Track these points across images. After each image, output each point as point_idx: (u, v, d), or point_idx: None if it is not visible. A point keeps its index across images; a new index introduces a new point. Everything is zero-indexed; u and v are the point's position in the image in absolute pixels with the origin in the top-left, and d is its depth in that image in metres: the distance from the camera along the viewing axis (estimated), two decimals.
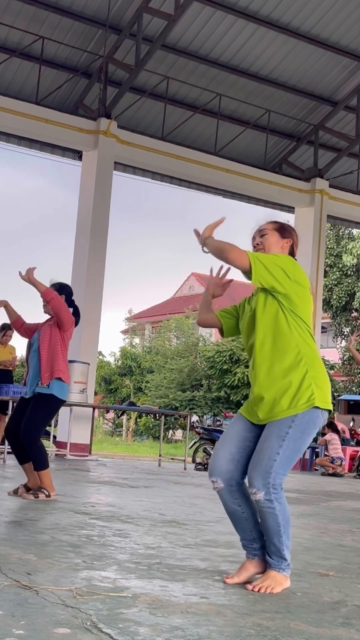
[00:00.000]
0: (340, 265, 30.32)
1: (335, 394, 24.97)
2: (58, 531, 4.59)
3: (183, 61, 15.06)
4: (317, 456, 16.49)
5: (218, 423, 17.59)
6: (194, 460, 14.88)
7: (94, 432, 15.49)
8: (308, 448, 13.11)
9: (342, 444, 15.92)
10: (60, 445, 13.05)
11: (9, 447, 7.92)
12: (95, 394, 22.08)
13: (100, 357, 34.41)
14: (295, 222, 16.69)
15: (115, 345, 50.24)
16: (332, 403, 3.61)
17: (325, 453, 15.73)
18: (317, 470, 16.05)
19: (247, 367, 26.47)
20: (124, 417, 33.58)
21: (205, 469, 12.09)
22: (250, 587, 3.40)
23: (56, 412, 6.75)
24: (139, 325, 44.15)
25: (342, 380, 31.60)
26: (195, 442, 15.98)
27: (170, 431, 31.85)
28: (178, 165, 15.30)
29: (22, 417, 6.38)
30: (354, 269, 30.38)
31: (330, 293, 30.35)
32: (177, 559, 4.01)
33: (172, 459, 16.84)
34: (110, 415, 35.65)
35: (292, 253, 3.70)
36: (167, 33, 13.48)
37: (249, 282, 3.51)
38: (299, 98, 16.49)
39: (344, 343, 32.23)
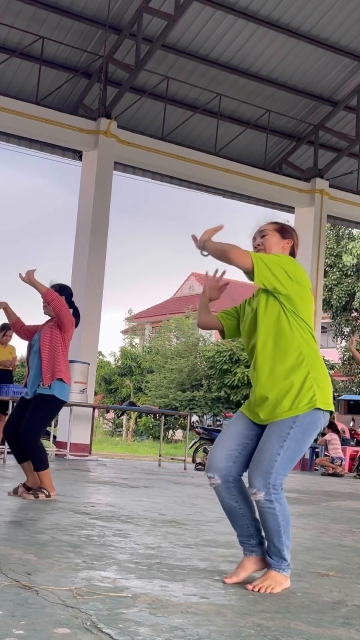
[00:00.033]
0: (340, 265, 30.32)
1: (335, 394, 24.97)
2: (58, 531, 4.59)
3: (183, 61, 15.06)
4: (317, 456, 16.49)
5: (218, 423, 17.60)
6: (194, 460, 14.88)
7: (94, 432, 15.49)
8: (308, 448, 13.13)
9: (342, 444, 15.92)
10: (60, 445, 13.05)
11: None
12: (95, 394, 22.08)
13: (100, 357, 34.42)
14: (295, 222, 16.69)
15: (115, 345, 50.33)
16: (333, 403, 3.62)
17: (325, 453, 15.74)
18: (317, 470, 16.05)
19: (247, 367, 26.49)
20: (124, 417, 33.59)
21: None
22: (250, 587, 3.40)
23: (57, 412, 6.76)
24: (139, 325, 44.16)
25: (342, 380, 31.61)
26: (195, 442, 15.98)
27: (170, 431, 31.86)
28: (178, 165, 15.30)
29: (22, 416, 6.38)
30: (354, 269, 30.38)
31: (330, 293, 30.35)
32: (177, 559, 4.01)
33: (172, 459, 16.84)
34: (110, 415, 35.66)
35: (292, 254, 3.70)
36: (167, 33, 13.48)
37: (249, 282, 3.51)
38: (299, 98, 16.49)
39: (344, 343, 32.24)
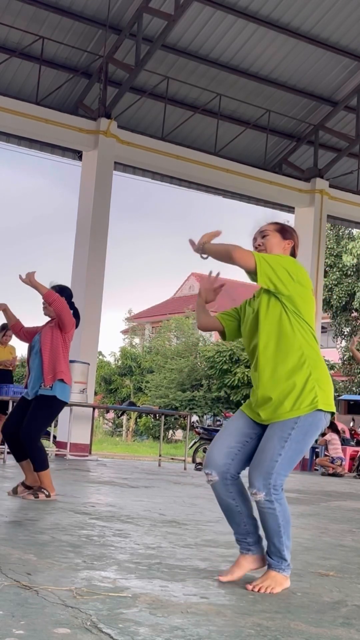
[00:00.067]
0: (340, 265, 30.33)
1: (335, 394, 24.94)
2: (58, 531, 4.59)
3: (183, 61, 15.06)
4: (317, 456, 16.49)
5: (218, 423, 17.60)
6: (194, 460, 14.89)
7: (94, 432, 15.49)
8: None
9: (342, 444, 15.92)
10: (60, 445, 13.05)
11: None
12: (95, 394, 22.08)
13: (100, 357, 34.43)
14: (295, 222, 16.69)
15: (115, 345, 50.33)
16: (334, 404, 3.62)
17: (326, 453, 15.73)
18: (317, 470, 16.05)
19: (247, 367, 26.50)
20: (124, 417, 33.59)
21: None
22: (250, 587, 3.40)
23: (58, 413, 6.76)
24: (139, 325, 44.18)
25: (342, 380, 31.61)
26: (195, 442, 15.99)
27: (170, 431, 31.86)
28: (178, 165, 15.30)
29: (22, 416, 6.38)
30: (354, 269, 30.39)
31: (330, 293, 30.36)
32: (177, 559, 4.01)
33: (172, 459, 16.84)
34: (110, 415, 35.66)
35: (293, 254, 3.70)
36: (167, 33, 13.48)
37: (249, 282, 3.52)
38: (299, 98, 16.49)
39: (344, 343, 32.24)
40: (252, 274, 3.46)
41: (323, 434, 15.70)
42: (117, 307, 67.36)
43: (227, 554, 4.29)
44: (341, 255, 30.16)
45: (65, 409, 12.24)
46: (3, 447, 10.33)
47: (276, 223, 3.74)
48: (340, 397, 23.55)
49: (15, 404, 7.19)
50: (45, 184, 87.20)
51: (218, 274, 3.85)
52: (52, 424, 12.66)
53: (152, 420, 30.73)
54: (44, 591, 3.01)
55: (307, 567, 4.09)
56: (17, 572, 3.32)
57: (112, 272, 71.05)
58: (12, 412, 6.79)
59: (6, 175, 75.96)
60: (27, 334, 6.78)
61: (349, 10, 14.69)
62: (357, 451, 16.39)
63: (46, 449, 7.60)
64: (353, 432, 18.33)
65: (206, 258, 3.59)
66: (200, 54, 15.01)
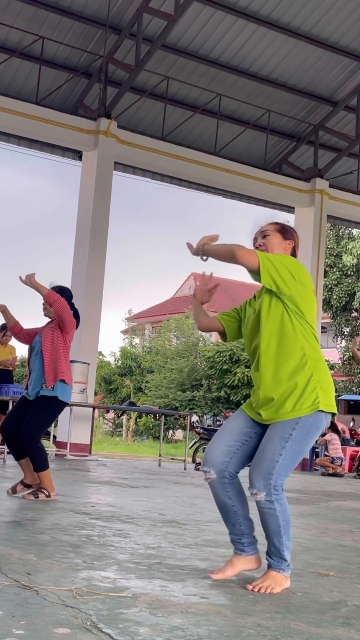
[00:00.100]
0: (340, 265, 30.32)
1: (335, 394, 24.94)
2: (58, 531, 4.59)
3: (183, 61, 15.07)
4: (317, 456, 16.49)
5: (218, 423, 17.60)
6: (194, 460, 14.89)
7: (94, 432, 15.49)
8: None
9: (342, 444, 15.92)
10: (60, 445, 13.05)
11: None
12: (95, 394, 22.08)
13: (100, 357, 34.41)
14: (295, 222, 16.69)
15: (115, 345, 50.30)
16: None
17: (326, 453, 15.74)
18: (317, 470, 16.05)
19: (247, 367, 26.49)
20: (124, 417, 33.58)
21: None
22: (250, 587, 3.40)
23: (58, 414, 6.76)
24: (139, 325, 44.16)
25: (342, 380, 31.61)
26: (195, 442, 16.00)
27: (170, 431, 31.85)
28: (178, 165, 15.30)
29: (22, 415, 6.38)
30: (354, 269, 30.39)
31: (330, 293, 30.35)
32: (177, 559, 4.01)
33: (172, 459, 16.84)
34: (110, 415, 35.65)
35: (293, 254, 3.71)
36: (167, 33, 13.48)
37: (249, 282, 3.52)
38: (299, 98, 16.49)
39: (344, 343, 32.24)
40: (255, 273, 3.46)
41: (323, 434, 15.70)
42: (117, 307, 67.40)
43: (227, 554, 4.28)
44: (341, 255, 30.16)
45: (66, 409, 12.22)
46: (3, 447, 10.33)
47: (277, 223, 3.74)
48: (340, 397, 23.54)
49: (15, 403, 7.19)
50: (45, 184, 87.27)
51: (211, 274, 3.85)
52: (52, 424, 12.67)
53: (152, 420, 30.73)
54: (44, 591, 3.01)
55: (307, 567, 4.09)
56: (17, 572, 3.32)
57: (112, 272, 71.06)
58: (11, 411, 6.79)
59: (6, 175, 76.01)
60: (27, 336, 6.79)
61: (349, 10, 14.69)
62: (357, 451, 16.39)
63: (46, 449, 7.60)
64: (353, 432, 18.33)
65: (206, 260, 3.59)
66: (200, 54, 15.01)
